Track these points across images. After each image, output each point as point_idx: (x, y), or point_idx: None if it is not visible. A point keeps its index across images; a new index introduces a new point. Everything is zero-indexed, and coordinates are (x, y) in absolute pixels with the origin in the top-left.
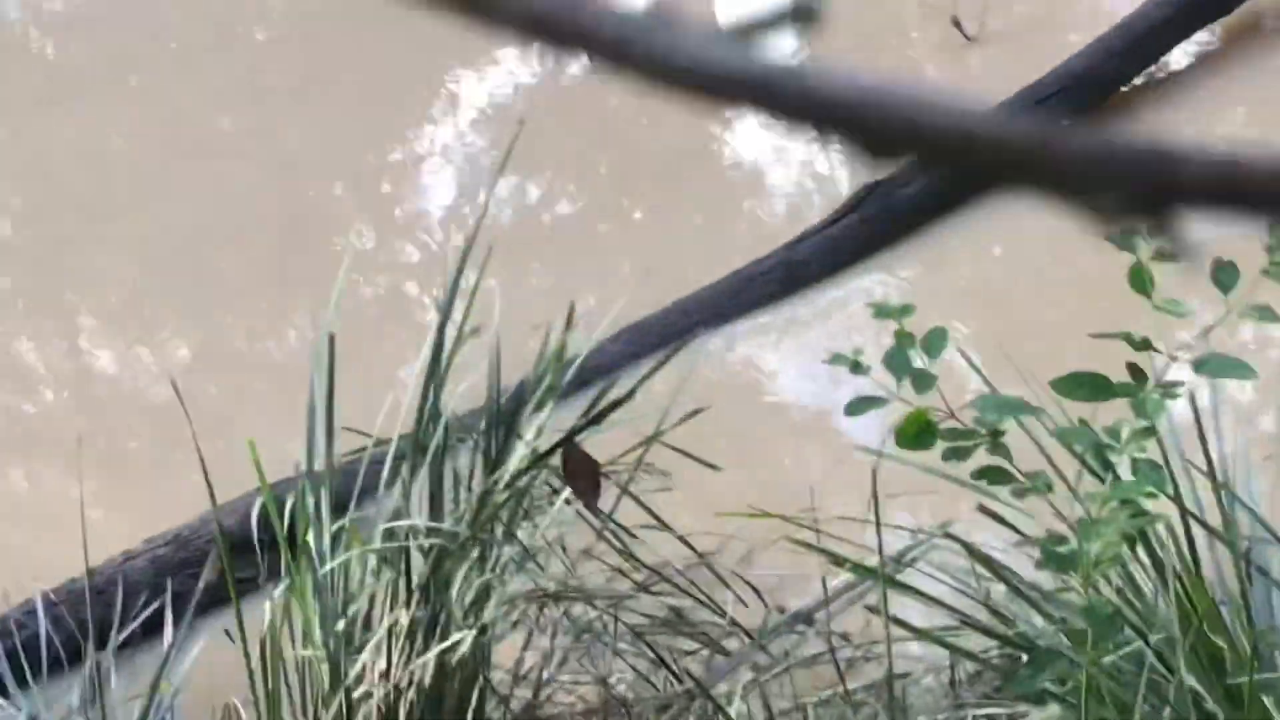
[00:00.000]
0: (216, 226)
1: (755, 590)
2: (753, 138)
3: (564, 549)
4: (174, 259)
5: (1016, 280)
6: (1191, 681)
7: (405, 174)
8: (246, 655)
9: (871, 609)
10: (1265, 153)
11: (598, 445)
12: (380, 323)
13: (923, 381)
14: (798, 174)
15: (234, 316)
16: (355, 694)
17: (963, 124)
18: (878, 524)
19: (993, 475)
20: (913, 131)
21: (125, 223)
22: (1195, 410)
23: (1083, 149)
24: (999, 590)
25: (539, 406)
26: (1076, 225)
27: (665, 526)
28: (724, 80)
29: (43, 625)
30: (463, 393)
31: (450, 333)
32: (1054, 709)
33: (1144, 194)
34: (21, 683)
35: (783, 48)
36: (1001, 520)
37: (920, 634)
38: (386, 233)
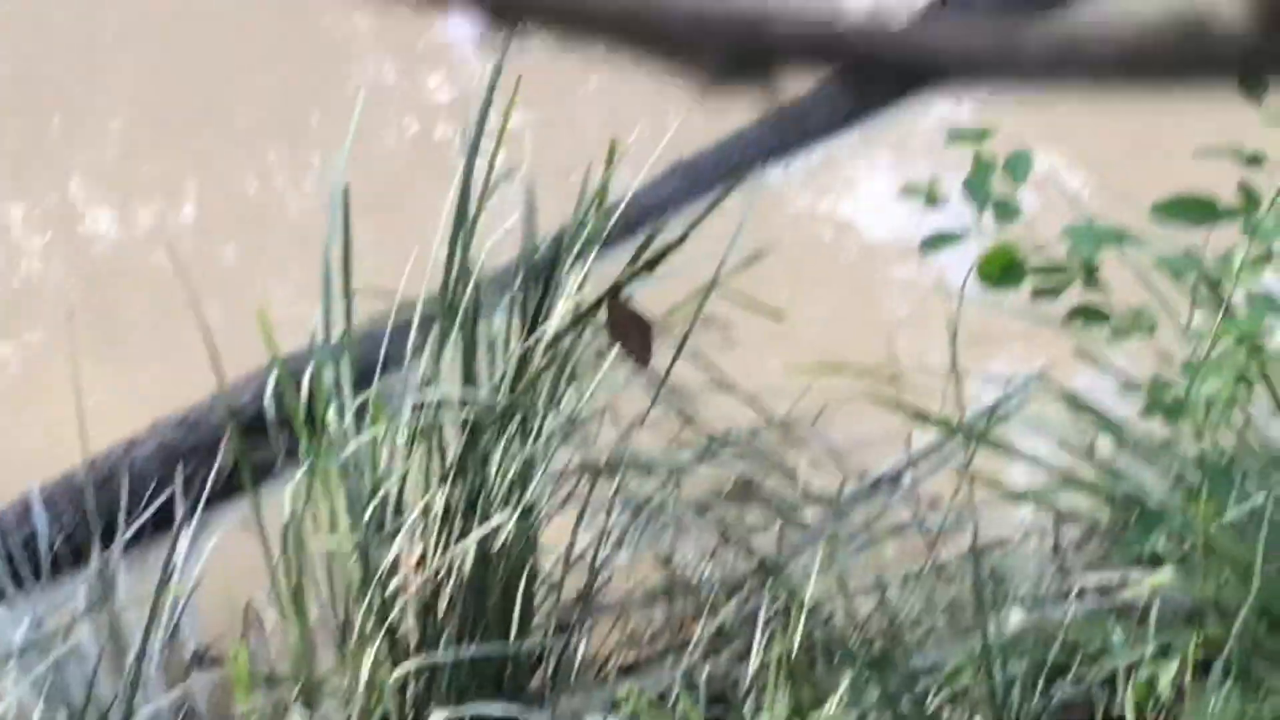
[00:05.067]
0: (218, 65)
1: (832, 453)
2: None
3: (615, 416)
4: (172, 104)
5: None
6: None
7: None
8: (267, 548)
9: (963, 470)
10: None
11: (649, 298)
12: (404, 169)
13: (1006, 212)
14: None
15: (241, 167)
16: (389, 586)
17: None
18: (955, 374)
19: (1088, 315)
20: None
21: (117, 65)
22: None
23: (678, 13)
24: (1104, 443)
25: (580, 257)
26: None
27: (728, 386)
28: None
29: (41, 523)
30: (496, 245)
31: (479, 176)
32: (1168, 573)
33: (740, 56)
34: (20, 587)
35: None
36: (1103, 365)
37: (1016, 496)
38: (409, 65)
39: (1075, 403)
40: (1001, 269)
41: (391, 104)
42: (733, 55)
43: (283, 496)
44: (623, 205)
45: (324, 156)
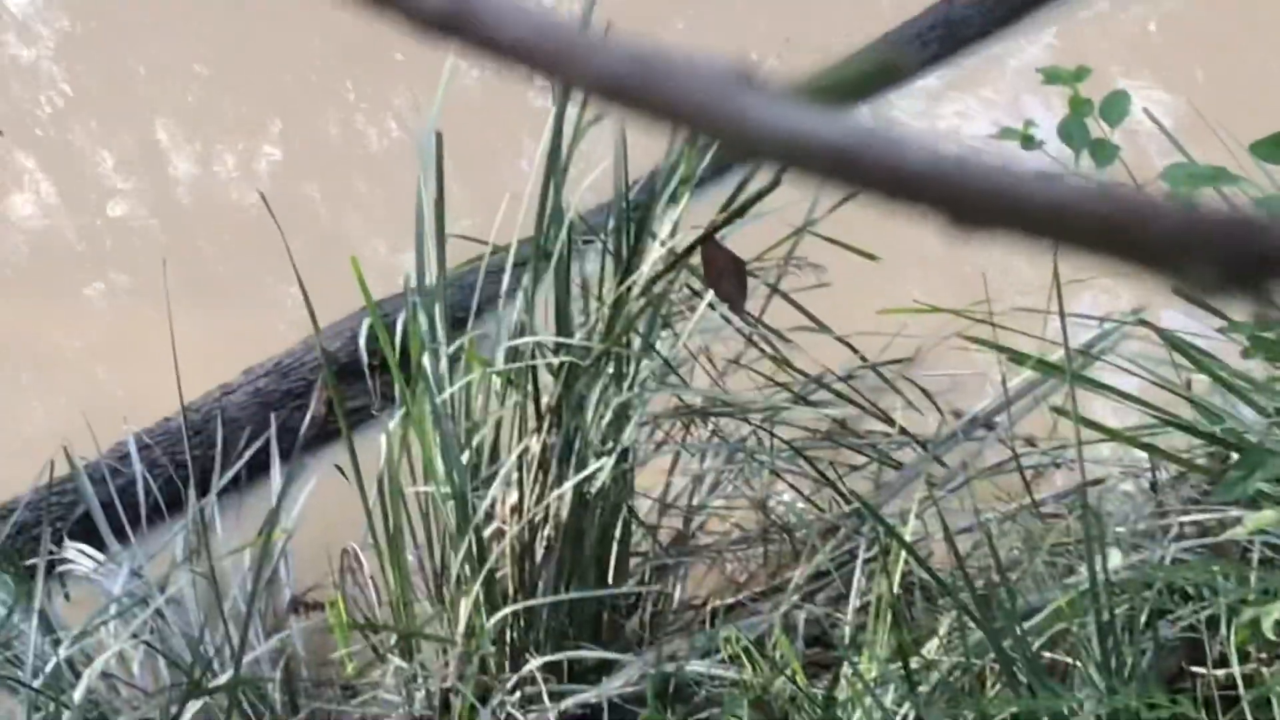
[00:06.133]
0: (293, 3)
1: (927, 394)
2: None
3: (710, 359)
4: (249, 48)
5: (1214, 23)
6: None
7: None
8: (363, 494)
9: (1058, 410)
10: None
11: (742, 240)
12: (491, 108)
13: (1103, 153)
14: None
15: (323, 106)
16: (485, 532)
17: (1055, 198)
18: (1062, 313)
19: None
20: (1006, 203)
21: (195, 7)
22: None
23: (1173, 223)
24: (1202, 382)
25: (674, 200)
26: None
27: (823, 328)
28: (802, 149)
29: (139, 470)
30: (589, 187)
31: (571, 116)
32: (1270, 513)
33: (1237, 266)
34: (120, 534)
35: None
36: (1202, 304)
37: (1114, 435)
38: None
39: (1172, 341)
40: None
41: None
42: (1230, 263)
43: (378, 442)
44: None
45: (406, 91)
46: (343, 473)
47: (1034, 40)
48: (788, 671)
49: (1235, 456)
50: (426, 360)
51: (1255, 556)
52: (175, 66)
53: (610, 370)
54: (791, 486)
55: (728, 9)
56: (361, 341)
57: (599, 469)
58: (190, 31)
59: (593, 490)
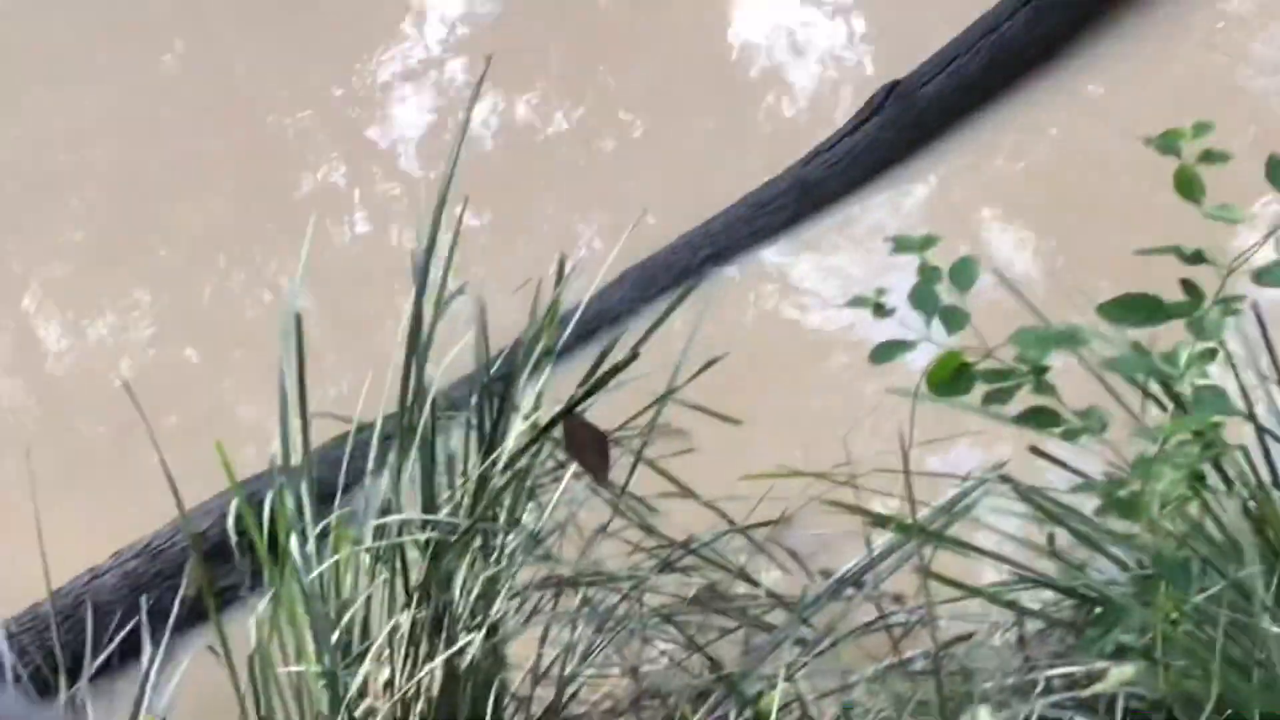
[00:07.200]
0: (166, 174)
1: (794, 556)
2: (765, 24)
3: (577, 529)
4: (124, 219)
5: (1063, 177)
6: (1271, 623)
7: (374, 100)
8: (234, 674)
9: (922, 570)
10: None
11: (607, 406)
12: (368, 270)
13: (954, 320)
14: (819, 65)
15: (197, 277)
16: (358, 711)
17: None
18: (906, 474)
19: (1039, 419)
20: None
21: (68, 179)
22: (1262, 323)
23: None
24: (1064, 535)
25: (535, 371)
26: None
27: (688, 493)
28: None
29: (7, 659)
30: (455, 359)
31: (432, 291)
32: (1130, 668)
33: None
34: None
35: None
36: (1058, 462)
37: (977, 592)
38: (359, 168)
39: (1031, 499)
40: (950, 377)
41: (342, 205)
42: None
43: (249, 623)
44: (576, 316)
45: (277, 261)
46: (215, 653)
47: (907, 194)
48: None
49: (1097, 611)
50: (294, 540)
51: (1120, 709)
52: (46, 240)
53: (478, 544)
54: (662, 653)
55: (592, 174)
56: (228, 522)
57: (469, 642)
58: (62, 204)
59: (464, 664)
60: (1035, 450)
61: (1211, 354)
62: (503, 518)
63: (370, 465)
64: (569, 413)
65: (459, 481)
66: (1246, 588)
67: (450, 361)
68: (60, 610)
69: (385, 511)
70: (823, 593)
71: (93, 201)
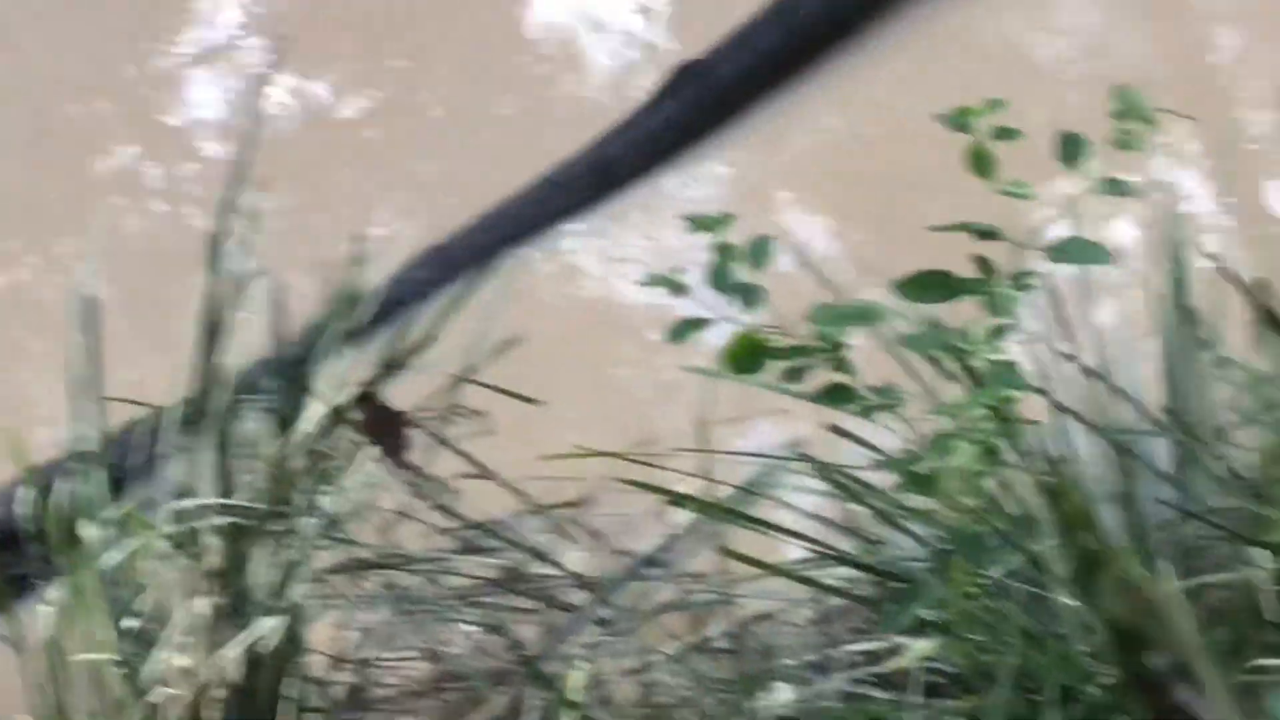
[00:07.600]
0: None
1: (594, 536)
2: (564, 3)
3: (376, 512)
4: None
5: (864, 155)
6: (1066, 597)
7: (169, 81)
8: (27, 666)
9: (723, 550)
10: None
11: (407, 388)
12: (155, 257)
13: (751, 297)
14: (620, 44)
15: None
16: (156, 699)
17: None
18: (705, 452)
19: (836, 396)
20: None
21: None
22: (1055, 299)
23: None
24: (864, 512)
25: (332, 354)
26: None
27: (487, 474)
28: None
29: None
30: (253, 343)
31: (227, 272)
32: (928, 642)
33: None
34: None
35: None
36: (857, 439)
37: (776, 570)
38: (156, 149)
39: (830, 476)
40: (745, 355)
41: (138, 188)
42: None
43: (42, 611)
44: (375, 297)
45: (73, 244)
46: (8, 642)
47: (707, 172)
48: None
49: (895, 588)
50: (88, 526)
51: (921, 684)
52: None
53: (276, 529)
54: (464, 635)
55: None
56: (20, 509)
57: (268, 627)
58: None
59: (264, 649)
60: (834, 428)
61: (1002, 330)
62: (301, 501)
63: (167, 450)
64: (366, 395)
65: (256, 465)
66: (1042, 562)
67: (248, 345)
68: None
69: (181, 497)
70: (623, 573)
71: None
